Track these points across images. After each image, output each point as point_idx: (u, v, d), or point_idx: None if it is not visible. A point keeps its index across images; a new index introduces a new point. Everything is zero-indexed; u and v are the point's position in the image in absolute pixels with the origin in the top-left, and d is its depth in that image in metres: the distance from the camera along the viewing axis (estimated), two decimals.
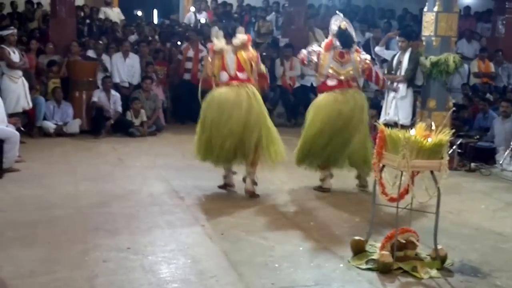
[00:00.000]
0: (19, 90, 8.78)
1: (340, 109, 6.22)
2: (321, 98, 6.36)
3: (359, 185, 6.62)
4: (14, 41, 8.89)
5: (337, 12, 6.78)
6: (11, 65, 8.71)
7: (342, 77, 6.30)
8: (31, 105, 9.02)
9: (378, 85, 6.67)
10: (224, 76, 6.03)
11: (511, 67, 11.39)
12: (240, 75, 6.03)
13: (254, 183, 6.18)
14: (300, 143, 6.43)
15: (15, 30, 9.15)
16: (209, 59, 6.15)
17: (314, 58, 6.39)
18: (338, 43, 6.33)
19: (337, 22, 6.41)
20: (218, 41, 6.10)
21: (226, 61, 6.03)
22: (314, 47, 6.54)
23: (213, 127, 5.94)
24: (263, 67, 6.36)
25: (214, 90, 6.05)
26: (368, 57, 6.62)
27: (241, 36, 6.09)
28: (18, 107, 8.77)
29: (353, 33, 6.48)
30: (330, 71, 6.31)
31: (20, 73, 8.82)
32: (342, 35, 6.33)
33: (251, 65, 6.07)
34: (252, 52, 6.15)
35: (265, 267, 4.39)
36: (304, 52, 6.57)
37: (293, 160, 6.52)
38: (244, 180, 6.24)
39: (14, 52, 8.75)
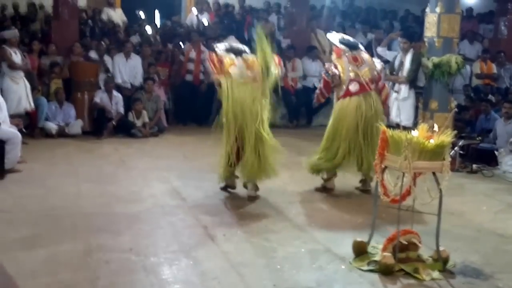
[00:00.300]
0: (21, 91, 8.81)
1: (363, 115, 6.27)
2: (345, 103, 6.36)
3: (361, 188, 6.61)
4: (15, 42, 8.91)
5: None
6: (12, 66, 8.73)
7: (363, 78, 6.36)
8: (33, 106, 9.04)
9: (381, 96, 6.64)
10: (234, 70, 6.06)
11: None
12: (248, 73, 6.07)
13: (256, 188, 6.19)
14: (323, 154, 6.41)
15: (17, 31, 9.17)
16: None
17: (335, 70, 6.42)
18: (344, 47, 6.44)
19: (335, 35, 6.65)
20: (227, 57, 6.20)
21: (236, 61, 6.10)
22: (326, 65, 6.62)
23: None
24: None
25: (227, 89, 6.02)
26: (380, 66, 6.70)
27: (252, 56, 6.20)
28: (20, 108, 8.79)
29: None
30: (352, 74, 6.37)
31: (21, 74, 8.84)
32: (343, 40, 6.54)
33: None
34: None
35: (267, 268, 4.39)
36: (322, 74, 6.65)
37: (296, 162, 6.51)
38: (245, 186, 6.25)
39: (15, 53, 8.77)
